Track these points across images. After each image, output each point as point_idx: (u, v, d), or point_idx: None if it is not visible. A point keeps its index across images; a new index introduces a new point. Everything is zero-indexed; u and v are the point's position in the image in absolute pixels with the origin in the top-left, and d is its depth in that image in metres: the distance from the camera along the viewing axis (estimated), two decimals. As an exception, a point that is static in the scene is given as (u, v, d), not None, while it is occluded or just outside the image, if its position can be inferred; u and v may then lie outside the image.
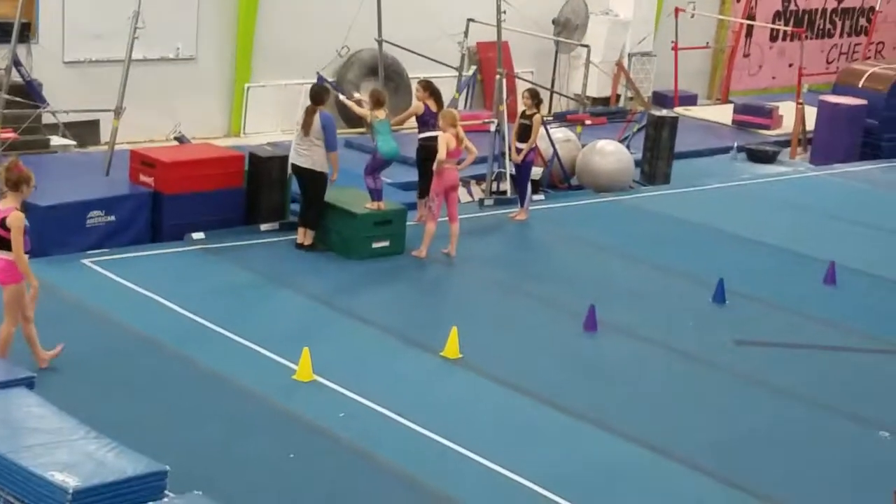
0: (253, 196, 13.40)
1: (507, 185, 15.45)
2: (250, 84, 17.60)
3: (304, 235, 12.90)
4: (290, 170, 13.16)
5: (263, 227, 13.33)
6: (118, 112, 13.77)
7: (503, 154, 15.44)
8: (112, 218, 12.44)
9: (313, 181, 12.75)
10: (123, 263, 11.95)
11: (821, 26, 25.27)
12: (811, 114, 19.57)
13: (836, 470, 8.96)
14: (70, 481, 6.61)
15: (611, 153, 16.48)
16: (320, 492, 8.10)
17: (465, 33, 18.09)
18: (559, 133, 16.82)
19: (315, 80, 14.76)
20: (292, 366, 9.80)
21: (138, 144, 14.88)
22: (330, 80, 16.29)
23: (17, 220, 8.78)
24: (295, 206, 13.56)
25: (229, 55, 17.46)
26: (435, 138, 12.93)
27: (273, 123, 17.35)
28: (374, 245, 12.90)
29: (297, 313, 11.21)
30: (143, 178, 12.96)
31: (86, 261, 11.95)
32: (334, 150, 12.82)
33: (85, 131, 15.87)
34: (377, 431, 8.98)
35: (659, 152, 17.16)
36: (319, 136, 12.60)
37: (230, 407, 9.19)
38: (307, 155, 12.66)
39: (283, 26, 17.64)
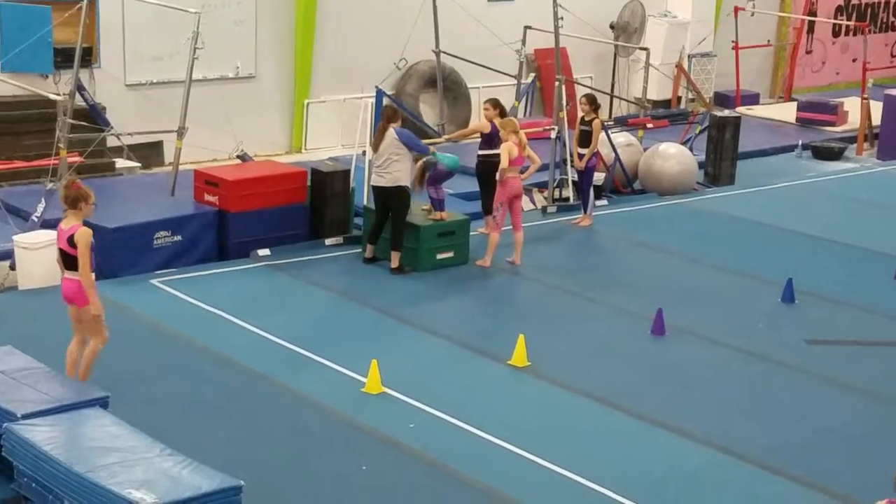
0: (316, 211, 13.50)
1: (569, 192, 15.42)
2: (310, 100, 17.75)
3: (371, 251, 12.93)
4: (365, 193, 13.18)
5: (328, 241, 13.42)
6: (181, 132, 13.96)
7: (564, 161, 15.41)
8: (179, 238, 12.60)
9: (395, 199, 12.64)
10: (191, 282, 12.09)
11: (884, 19, 24.92)
12: (877, 109, 19.30)
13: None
14: (147, 498, 6.70)
15: (673, 156, 16.38)
16: (394, 503, 8.12)
17: (523, 41, 18.09)
18: (620, 137, 16.75)
19: (374, 94, 14.84)
20: (361, 379, 9.85)
21: (202, 164, 15.09)
22: (389, 93, 16.37)
23: (84, 237, 8.70)
24: (359, 221, 13.64)
25: (288, 72, 17.63)
26: (496, 156, 12.90)
27: (334, 138, 17.48)
28: (439, 256, 12.92)
29: (365, 326, 11.26)
30: (207, 197, 13.12)
31: (154, 281, 12.11)
32: (427, 152, 12.87)
33: (149, 153, 16.11)
34: (447, 442, 8.99)
35: (722, 153, 17.03)
36: (398, 151, 12.58)
37: (301, 422, 9.25)
38: (386, 174, 12.61)
39: (340, 41, 17.78)
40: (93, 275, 8.83)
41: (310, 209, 13.52)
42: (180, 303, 11.60)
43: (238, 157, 15.46)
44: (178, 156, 14.01)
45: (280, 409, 9.44)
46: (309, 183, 13.55)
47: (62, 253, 8.85)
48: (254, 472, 7.95)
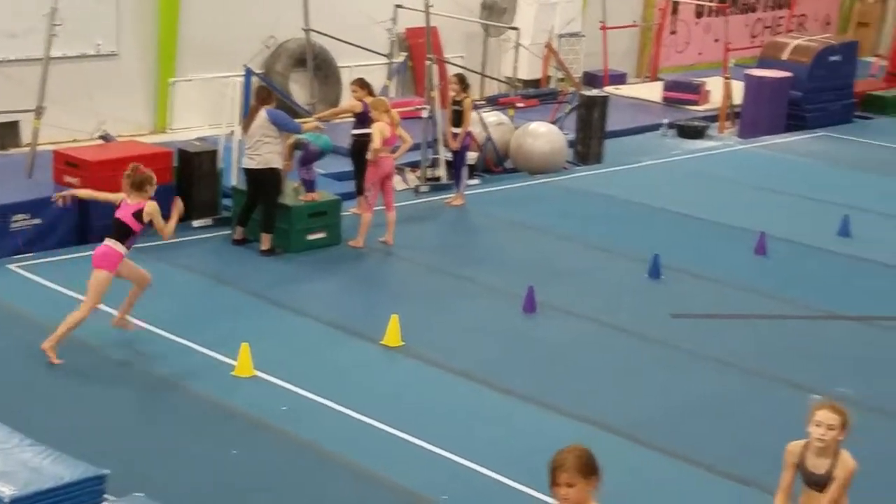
0: (183, 192, 13.24)
1: (441, 171, 15.47)
2: (175, 78, 17.40)
3: (241, 233, 12.80)
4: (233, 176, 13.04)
5: (196, 223, 13.23)
6: (39, 112, 13.56)
7: (436, 140, 15.45)
8: (38, 221, 12.27)
9: (266, 181, 12.54)
10: (51, 267, 11.80)
11: (745, 1, 25.53)
12: (738, 88, 19.78)
13: (774, 435, 9.04)
14: (6, 490, 6.51)
15: (543, 135, 16.56)
16: (265, 487, 8.06)
17: (394, 20, 18.04)
18: (492, 117, 16.85)
19: (243, 73, 14.65)
20: (232, 362, 9.75)
21: (62, 145, 14.66)
22: (258, 72, 16.16)
23: (152, 206, 9.68)
24: (228, 202, 13.47)
25: (152, 49, 17.24)
26: (370, 135, 12.87)
27: (201, 118, 17.17)
28: (311, 237, 12.85)
29: (235, 309, 11.14)
30: (67, 178, 12.78)
31: (12, 265, 11.79)
32: (298, 131, 12.78)
33: (4, 133, 15.61)
34: (321, 423, 8.97)
35: (591, 132, 17.26)
36: (269, 132, 12.44)
37: (170, 407, 9.12)
38: (256, 155, 12.48)
39: (206, 18, 17.45)
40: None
41: (176, 190, 13.28)
42: (39, 287, 11.31)
43: (100, 137, 15.10)
44: (35, 136, 13.60)
45: (148, 396, 9.29)
46: (175, 164, 13.32)
47: (118, 222, 9.72)
48: (121, 460, 7.81)
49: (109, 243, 9.72)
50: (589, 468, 5.11)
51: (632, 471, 8.49)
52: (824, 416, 6.23)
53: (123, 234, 9.72)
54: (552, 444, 8.78)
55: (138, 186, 9.71)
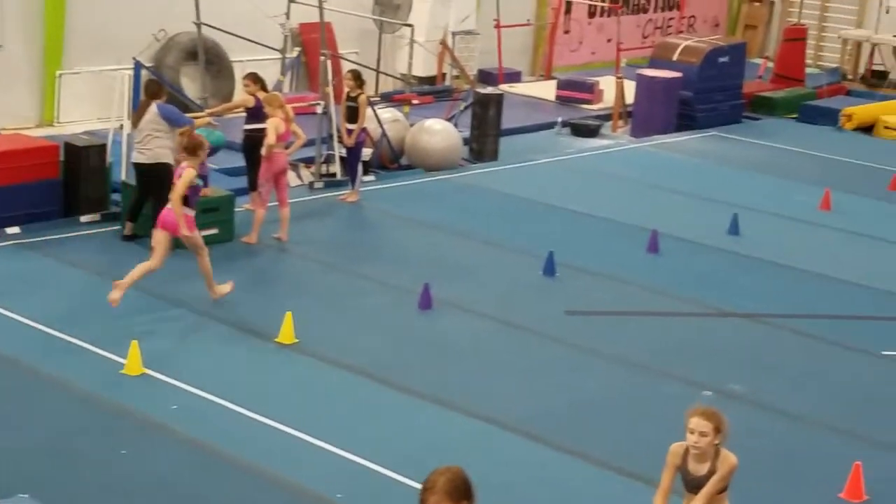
0: (70, 187, 12.98)
1: (336, 167, 15.36)
2: (62, 71, 17.00)
3: (131, 228, 12.56)
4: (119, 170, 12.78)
5: (84, 218, 12.93)
6: (-80, 104, 13.13)
7: (331, 136, 15.34)
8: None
9: (156, 176, 12.30)
10: None
11: (636, 2, 25.86)
12: (630, 87, 20.02)
13: (666, 432, 9.16)
14: None
15: (439, 132, 16.55)
16: (154, 486, 7.90)
17: (287, 14, 17.87)
18: (387, 113, 16.79)
19: (132, 66, 14.38)
20: (121, 360, 9.54)
21: (-54, 137, 14.22)
22: (148, 65, 15.87)
23: (188, 174, 10.53)
24: (117, 197, 13.21)
25: (38, 41, 16.81)
26: (262, 130, 12.74)
27: (89, 111, 16.80)
28: (202, 233, 12.61)
29: (125, 306, 10.88)
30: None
31: None
32: (190, 124, 12.60)
33: None
34: (212, 422, 8.82)
35: (486, 129, 17.30)
36: (160, 127, 12.22)
37: (56, 406, 8.89)
38: (146, 150, 12.25)
39: (95, 9, 17.07)
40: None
41: (63, 185, 12.98)
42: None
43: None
44: (-85, 129, 13.17)
45: (34, 396, 9.04)
46: (62, 158, 13.00)
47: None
48: (5, 459, 7.59)
49: (187, 212, 10.70)
50: (459, 492, 4.78)
51: (526, 467, 8.52)
52: (696, 423, 6.24)
53: (185, 201, 10.66)
54: (447, 441, 8.82)
55: (191, 151, 10.75)
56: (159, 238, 10.72)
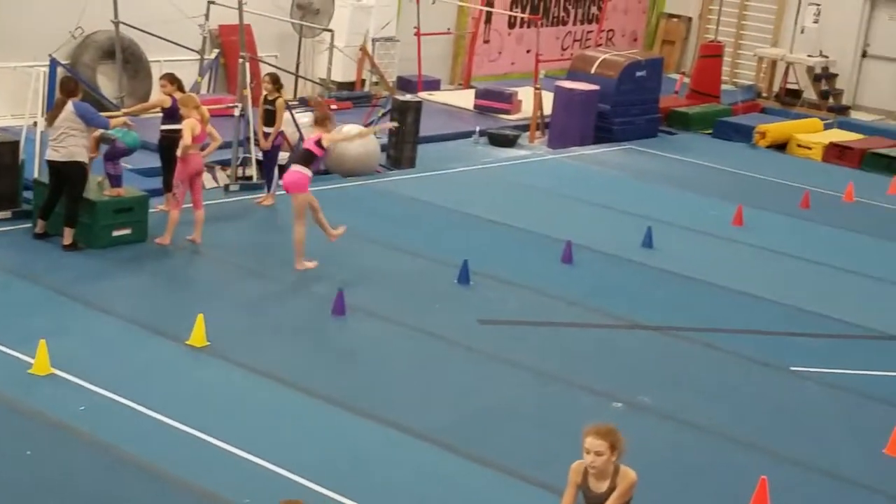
0: (-19, 183, 12.71)
1: (252, 170, 15.25)
2: (-26, 66, 16.65)
3: (43, 226, 12.36)
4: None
5: (-6, 215, 12.69)
6: None
7: (248, 139, 15.23)
8: None
9: (70, 174, 12.11)
10: None
11: (555, 14, 26.07)
12: (548, 99, 20.17)
13: (576, 442, 9.24)
14: None
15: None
16: (59, 488, 7.76)
17: (206, 16, 17.71)
18: (305, 118, 16.70)
19: (48, 64, 14.13)
20: (29, 360, 9.37)
21: None
22: (63, 62, 15.62)
23: (328, 138, 12.24)
24: (29, 194, 12.98)
25: (-51, 35, 16.47)
26: (179, 131, 12.64)
27: (2, 108, 16.47)
28: (115, 233, 12.49)
29: (34, 305, 10.72)
30: None
31: None
32: (106, 126, 12.41)
33: None
34: (120, 424, 8.70)
35: (404, 137, 17.30)
36: (75, 125, 12.04)
37: (-40, 406, 8.70)
38: (61, 147, 12.05)
39: (9, 5, 16.75)
40: None
41: (-27, 182, 12.71)
42: None
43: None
44: None
45: (-64, 394, 8.84)
46: (-28, 154, 12.73)
47: (306, 151, 12.27)
48: None
49: (297, 168, 12.04)
50: None
51: (435, 475, 8.53)
52: (591, 443, 6.23)
53: (308, 159, 12.11)
54: (357, 448, 8.80)
55: (320, 122, 12.29)
56: (300, 200, 12.06)
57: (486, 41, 24.63)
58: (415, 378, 10.18)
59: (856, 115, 24.37)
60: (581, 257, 13.60)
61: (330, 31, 19.57)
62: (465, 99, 21.98)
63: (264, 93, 14.39)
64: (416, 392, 9.90)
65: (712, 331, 11.86)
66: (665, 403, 10.06)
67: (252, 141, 15.09)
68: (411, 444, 8.91)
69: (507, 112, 21.23)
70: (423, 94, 21.02)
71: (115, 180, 12.75)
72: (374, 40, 21.69)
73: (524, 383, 10.31)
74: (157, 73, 16.61)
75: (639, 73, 20.44)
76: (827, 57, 24.90)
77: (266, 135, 14.30)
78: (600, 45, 25.80)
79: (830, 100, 24.67)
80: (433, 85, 22.69)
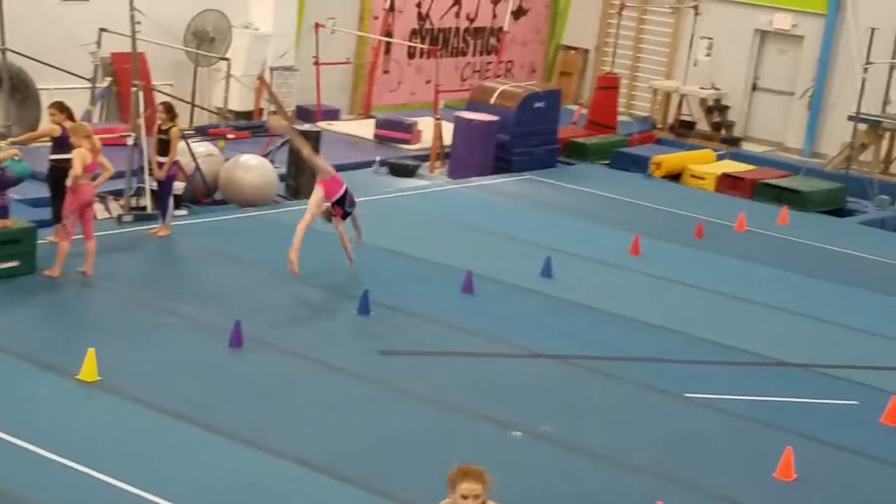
0: None
1: (147, 201, 14.97)
2: None
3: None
4: None
5: None
6: None
7: (142, 168, 14.96)
8: None
9: None
10: None
11: (455, 45, 26.20)
12: (448, 129, 20.20)
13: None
14: None
15: (254, 167, 16.35)
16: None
17: (98, 43, 17.40)
18: (201, 147, 16.50)
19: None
20: None
21: None
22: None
23: None
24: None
25: None
26: (69, 161, 12.38)
27: None
28: (2, 265, 12.14)
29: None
30: None
31: None
32: None
33: None
34: (7, 462, 8.41)
35: (303, 166, 17.10)
36: None
37: None
38: None
39: None
40: None
41: None
42: None
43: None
44: None
45: None
46: None
47: None
48: None
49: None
50: None
51: (336, 509, 8.40)
52: (469, 489, 6.09)
53: None
54: (255, 482, 8.62)
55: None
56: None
57: (386, 71, 24.64)
58: (315, 410, 10.03)
59: (747, 147, 24.89)
60: (481, 287, 13.58)
61: (227, 59, 19.39)
62: (364, 129, 21.92)
63: (158, 122, 14.17)
64: (316, 424, 9.75)
65: (610, 359, 11.92)
66: (564, 431, 10.06)
67: (146, 171, 14.82)
68: (311, 477, 8.76)
69: (407, 142, 21.21)
70: (323, 124, 20.89)
71: (2, 211, 12.41)
72: (272, 69, 21.55)
73: (425, 414, 10.22)
74: (46, 101, 16.27)
75: (537, 104, 20.59)
76: (719, 89, 25.42)
77: (160, 164, 14.07)
78: (499, 76, 25.95)
79: (723, 131, 25.17)
80: (333, 114, 22.59)
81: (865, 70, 22.21)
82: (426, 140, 20.96)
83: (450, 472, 6.22)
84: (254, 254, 14.03)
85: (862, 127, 22.73)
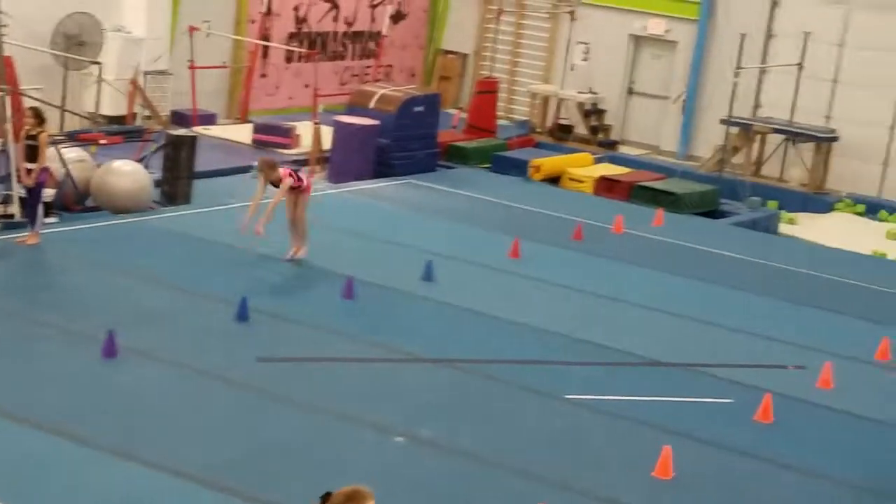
0: None
1: (15, 208, 14.54)
2: None
3: None
4: None
5: None
6: None
7: (9, 175, 14.52)
8: None
9: None
10: None
11: (334, 49, 26.08)
12: (327, 133, 20.07)
13: (360, 478, 9.09)
14: None
15: (128, 173, 16.01)
16: None
17: (-37, 46, 16.86)
18: (72, 153, 16.09)
19: None
20: None
21: None
22: None
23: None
24: None
25: None
26: None
27: None
28: None
29: None
30: None
31: None
32: None
33: None
34: None
35: (179, 172, 16.87)
36: None
37: None
38: None
39: None
40: None
41: None
42: None
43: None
44: None
45: None
46: None
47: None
48: None
49: None
50: None
51: (214, 520, 8.23)
52: None
53: None
54: (129, 495, 8.39)
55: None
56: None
57: (264, 75, 24.39)
58: (191, 420, 9.82)
59: (624, 150, 25.27)
60: (362, 292, 13.49)
61: (98, 63, 18.97)
62: (242, 133, 21.67)
63: (26, 127, 13.76)
64: (192, 434, 9.54)
65: (491, 362, 11.94)
66: (446, 435, 10.03)
67: (14, 177, 14.38)
68: (188, 489, 8.57)
69: (286, 146, 21.03)
70: (199, 129, 20.60)
71: None
72: (145, 73, 21.16)
73: (304, 421, 10.10)
74: None
75: (417, 109, 20.60)
76: (596, 93, 25.76)
77: (28, 171, 13.67)
78: (379, 80, 25.91)
79: (600, 135, 25.51)
80: (209, 119, 22.29)
81: (737, 74, 22.73)
82: (305, 144, 20.81)
83: (335, 496, 6.09)
84: (128, 261, 13.72)
85: (734, 130, 23.26)
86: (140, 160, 17.09)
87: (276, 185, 14.46)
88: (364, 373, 11.37)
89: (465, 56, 28.04)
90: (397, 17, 27.28)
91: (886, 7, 23.12)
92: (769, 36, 24.26)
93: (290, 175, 14.54)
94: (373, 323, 12.71)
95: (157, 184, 16.81)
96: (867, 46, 23.29)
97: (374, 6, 26.63)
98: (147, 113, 20.95)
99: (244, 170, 19.43)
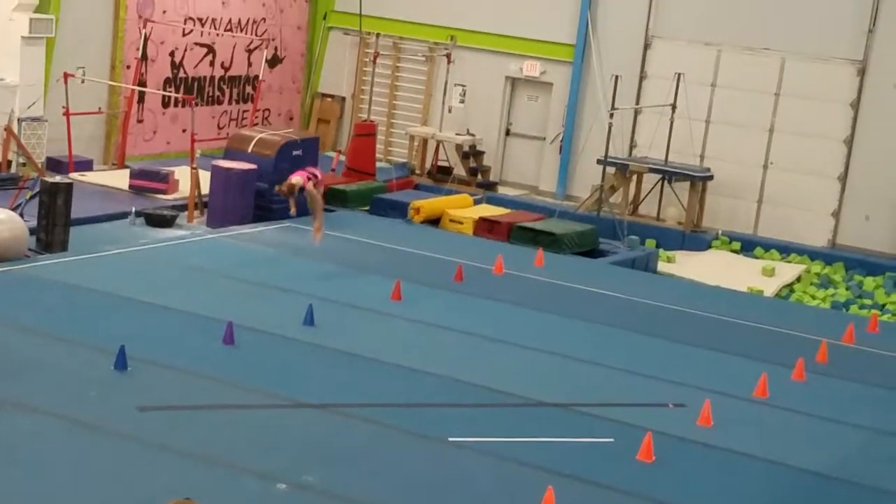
0: None
1: None
2: None
3: None
4: None
5: None
6: None
7: None
8: None
9: None
10: None
11: (210, 93, 25.94)
12: (206, 178, 19.94)
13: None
14: None
15: (3, 221, 15.71)
16: None
17: None
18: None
19: None
20: None
21: None
22: None
23: None
24: None
25: None
26: None
27: None
28: None
29: None
30: None
31: None
32: None
33: None
34: None
35: (55, 219, 16.59)
36: None
37: None
38: None
39: None
40: None
41: None
42: None
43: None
44: None
45: None
46: None
47: None
48: None
49: None
50: None
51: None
52: None
53: None
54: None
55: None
56: None
57: (140, 120, 24.16)
58: (68, 473, 9.62)
59: (503, 190, 25.61)
60: (243, 338, 13.41)
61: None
62: (119, 179, 21.40)
63: None
64: (69, 488, 9.36)
65: (374, 406, 11.96)
66: (329, 481, 10.01)
67: None
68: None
69: (163, 192, 20.83)
70: (75, 175, 20.31)
71: None
72: (20, 120, 20.81)
73: (187, 470, 9.98)
74: None
75: (295, 152, 20.59)
76: (474, 135, 26.08)
77: None
78: (256, 124, 25.85)
79: (479, 176, 25.80)
80: (85, 165, 21.97)
81: (611, 115, 23.26)
82: (183, 189, 20.64)
83: None
84: (2, 311, 13.41)
85: (610, 170, 23.74)
86: (15, 208, 16.78)
87: (292, 193, 17.34)
88: (245, 420, 11.29)
89: (342, 99, 28.15)
90: (274, 62, 27.29)
91: (755, 48, 23.94)
92: (642, 77, 24.90)
93: (310, 178, 17.34)
94: (254, 369, 12.64)
95: (33, 231, 16.51)
96: (738, 87, 24.06)
97: (250, 50, 26.60)
98: (22, 160, 20.57)
99: (122, 216, 19.21)
